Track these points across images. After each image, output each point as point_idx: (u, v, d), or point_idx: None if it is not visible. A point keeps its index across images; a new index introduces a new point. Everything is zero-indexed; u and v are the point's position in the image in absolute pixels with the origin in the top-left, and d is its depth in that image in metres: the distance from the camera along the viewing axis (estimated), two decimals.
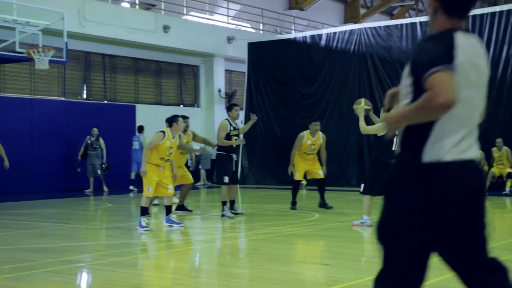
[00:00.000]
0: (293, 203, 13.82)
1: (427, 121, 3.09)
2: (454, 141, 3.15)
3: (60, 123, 19.48)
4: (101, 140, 18.80)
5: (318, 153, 14.25)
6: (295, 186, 14.05)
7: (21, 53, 15.57)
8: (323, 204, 13.95)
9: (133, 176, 19.30)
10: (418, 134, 3.15)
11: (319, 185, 14.26)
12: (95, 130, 18.77)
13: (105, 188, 18.87)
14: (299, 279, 6.57)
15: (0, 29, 15.26)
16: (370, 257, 8.19)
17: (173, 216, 10.85)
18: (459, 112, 3.10)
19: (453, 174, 3.11)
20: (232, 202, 12.44)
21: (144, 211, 10.50)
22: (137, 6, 24.13)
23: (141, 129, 19.93)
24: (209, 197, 18.70)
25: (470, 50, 3.16)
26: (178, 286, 6.58)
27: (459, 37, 3.12)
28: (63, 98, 21.15)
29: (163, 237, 10.46)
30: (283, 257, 7.96)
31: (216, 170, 13.22)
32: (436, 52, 3.05)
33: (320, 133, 14.31)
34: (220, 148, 12.21)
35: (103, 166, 18.75)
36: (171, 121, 10.74)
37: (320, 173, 14.13)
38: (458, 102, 2.95)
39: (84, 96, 22.05)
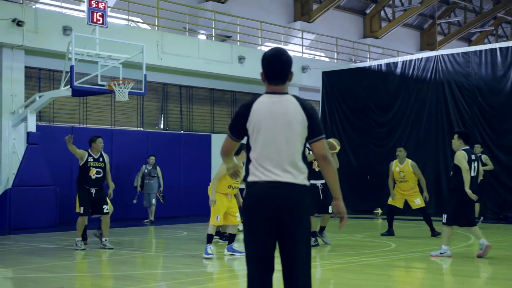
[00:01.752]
0: (388, 230, 14.09)
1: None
2: (260, 168, 4.47)
3: (138, 153, 19.94)
4: (158, 168, 18.72)
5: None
6: (388, 212, 14.35)
7: (103, 85, 16.05)
8: (433, 233, 13.88)
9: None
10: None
11: (421, 214, 14.32)
12: (152, 159, 18.72)
13: (152, 218, 18.50)
14: None
15: (84, 63, 15.84)
16: None
17: (235, 245, 10.98)
18: (263, 150, 4.46)
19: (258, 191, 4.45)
20: (323, 229, 12.46)
21: (210, 239, 10.65)
22: (213, 38, 24.61)
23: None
24: None
25: (265, 108, 4.51)
26: None
27: (260, 100, 4.55)
28: (141, 129, 21.71)
29: (240, 266, 10.55)
30: None
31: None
32: (232, 119, 4.62)
33: (409, 160, 14.32)
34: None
35: (161, 195, 18.56)
36: (238, 149, 10.87)
37: (415, 202, 14.11)
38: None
39: (162, 126, 22.57)
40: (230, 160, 4.78)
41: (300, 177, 4.49)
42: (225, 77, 23.24)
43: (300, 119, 4.53)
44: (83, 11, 18.38)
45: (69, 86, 15.78)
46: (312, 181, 11.58)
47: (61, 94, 16.60)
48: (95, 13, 16.09)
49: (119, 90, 15.93)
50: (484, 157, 17.05)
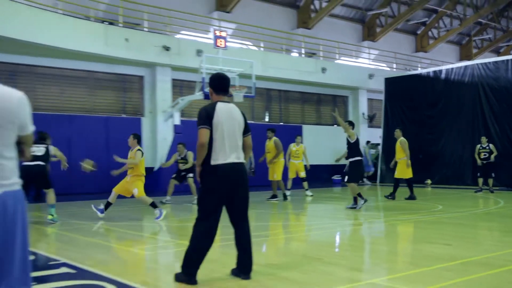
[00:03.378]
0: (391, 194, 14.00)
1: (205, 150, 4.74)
2: (223, 154, 4.74)
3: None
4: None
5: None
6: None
7: None
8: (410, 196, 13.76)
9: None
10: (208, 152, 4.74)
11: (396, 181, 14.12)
12: None
13: None
14: (426, 255, 6.31)
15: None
16: (486, 239, 7.71)
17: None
18: (224, 141, 4.73)
19: (221, 171, 4.70)
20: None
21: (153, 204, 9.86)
22: (303, 55, 24.48)
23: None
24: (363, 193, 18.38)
25: (224, 112, 4.77)
26: (334, 257, 6.57)
27: (218, 106, 4.79)
28: (252, 121, 21.89)
29: (329, 218, 10.43)
30: (413, 238, 7.70)
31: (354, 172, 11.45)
32: (202, 116, 4.73)
33: (402, 138, 13.84)
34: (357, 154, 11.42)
35: (252, 170, 17.20)
36: None
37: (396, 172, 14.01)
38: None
39: (266, 119, 22.69)
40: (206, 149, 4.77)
41: (242, 158, 4.90)
42: (312, 83, 23.08)
43: (241, 120, 4.92)
44: (210, 38, 18.72)
45: (201, 92, 16.14)
46: (357, 158, 11.18)
47: (196, 98, 17.01)
48: (218, 40, 16.34)
49: (236, 94, 16.16)
50: (492, 146, 16.33)
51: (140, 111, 18.70)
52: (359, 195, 11.39)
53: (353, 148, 11.21)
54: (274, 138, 13.63)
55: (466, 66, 20.16)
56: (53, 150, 9.82)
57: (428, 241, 7.37)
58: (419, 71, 23.22)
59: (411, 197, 13.63)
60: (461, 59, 34.55)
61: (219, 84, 4.93)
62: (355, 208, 11.26)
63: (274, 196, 13.86)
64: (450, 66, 21.18)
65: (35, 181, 9.31)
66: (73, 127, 16.59)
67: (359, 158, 11.24)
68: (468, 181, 19.04)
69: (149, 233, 8.81)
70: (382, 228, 9.31)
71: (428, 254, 6.32)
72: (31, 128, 2.69)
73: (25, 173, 8.79)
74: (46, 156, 9.56)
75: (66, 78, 17.43)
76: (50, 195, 9.38)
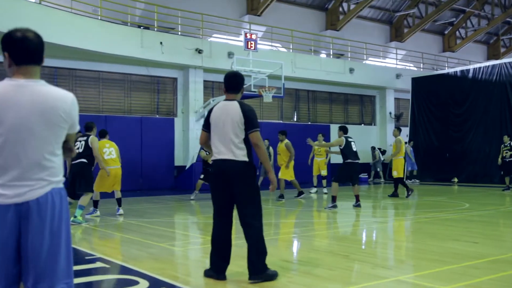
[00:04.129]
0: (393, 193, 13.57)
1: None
2: (216, 151, 4.72)
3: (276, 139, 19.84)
4: (271, 148, 16.89)
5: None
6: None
7: (255, 91, 16.28)
8: (407, 193, 13.39)
9: (408, 173, 20.24)
10: None
11: (395, 180, 13.65)
12: (266, 142, 16.70)
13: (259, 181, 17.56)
14: (453, 252, 6.12)
15: None
16: None
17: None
18: (216, 139, 4.74)
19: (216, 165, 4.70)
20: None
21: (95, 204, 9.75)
22: (331, 56, 24.22)
23: (410, 141, 21.37)
24: (387, 191, 18.11)
25: (218, 110, 4.77)
26: (361, 254, 6.40)
27: (217, 106, 4.82)
28: (281, 121, 21.81)
29: (353, 218, 10.27)
30: (440, 235, 7.48)
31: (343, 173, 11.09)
32: (204, 119, 4.85)
33: (398, 137, 13.37)
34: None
35: None
36: None
37: (394, 173, 13.46)
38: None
39: (295, 119, 22.55)
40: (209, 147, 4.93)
41: (240, 155, 4.65)
42: (340, 84, 22.81)
43: (238, 116, 4.64)
44: (241, 41, 18.69)
45: None
46: (347, 160, 10.84)
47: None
48: (249, 42, 16.29)
49: (265, 95, 16.07)
50: None
51: (173, 111, 18.83)
52: (333, 198, 10.92)
53: (344, 152, 10.94)
54: (286, 141, 13.38)
55: (493, 65, 19.62)
56: (90, 141, 8.92)
57: (455, 239, 7.16)
58: (446, 70, 22.71)
59: (394, 195, 13.48)
60: (489, 58, 33.63)
61: (226, 83, 4.94)
62: (334, 207, 10.84)
63: (300, 193, 13.77)
64: (477, 65, 20.63)
65: (76, 180, 8.71)
66: (109, 127, 16.79)
67: (348, 160, 10.91)
68: (495, 179, 18.51)
69: (180, 230, 8.83)
70: (409, 226, 9.10)
71: (455, 252, 6.13)
72: (77, 128, 2.71)
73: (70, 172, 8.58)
74: (86, 152, 8.80)
75: (104, 80, 17.68)
76: (85, 197, 8.82)
